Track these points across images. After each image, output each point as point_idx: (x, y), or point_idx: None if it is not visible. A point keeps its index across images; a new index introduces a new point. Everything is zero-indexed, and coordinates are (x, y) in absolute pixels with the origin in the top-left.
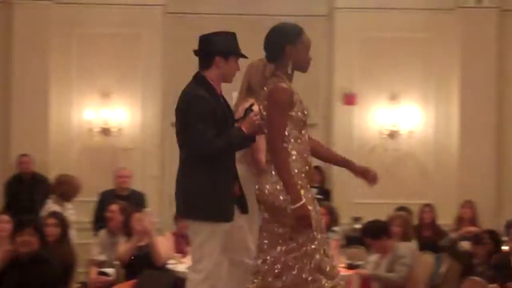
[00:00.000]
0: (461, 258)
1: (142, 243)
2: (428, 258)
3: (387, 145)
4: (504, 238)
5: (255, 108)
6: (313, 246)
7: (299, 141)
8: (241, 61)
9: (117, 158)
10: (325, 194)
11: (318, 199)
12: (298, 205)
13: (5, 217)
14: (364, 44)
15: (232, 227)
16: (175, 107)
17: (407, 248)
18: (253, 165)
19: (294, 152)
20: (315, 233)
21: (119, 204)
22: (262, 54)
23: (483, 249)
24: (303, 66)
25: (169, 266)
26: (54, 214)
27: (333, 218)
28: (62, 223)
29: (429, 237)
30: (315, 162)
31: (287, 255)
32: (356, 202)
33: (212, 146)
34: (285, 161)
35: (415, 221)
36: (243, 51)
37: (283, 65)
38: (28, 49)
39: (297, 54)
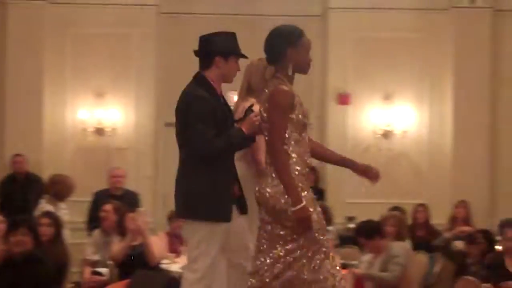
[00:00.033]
0: (454, 258)
1: (135, 243)
2: (421, 257)
3: (381, 145)
4: (498, 238)
5: (255, 108)
6: (314, 248)
7: (299, 143)
8: (240, 61)
9: (111, 158)
10: (319, 193)
11: None
12: (298, 207)
13: None
14: (358, 44)
15: (231, 227)
16: (168, 106)
17: (401, 247)
18: (253, 164)
19: (294, 155)
20: (316, 234)
21: (113, 204)
22: (257, 53)
23: (476, 248)
24: (303, 67)
25: (163, 266)
26: (47, 214)
27: (326, 218)
28: (56, 223)
29: (423, 236)
30: (313, 162)
31: (286, 256)
32: (349, 202)
33: (212, 146)
34: (285, 164)
35: (409, 220)
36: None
37: (284, 67)
38: (22, 49)
39: (297, 56)
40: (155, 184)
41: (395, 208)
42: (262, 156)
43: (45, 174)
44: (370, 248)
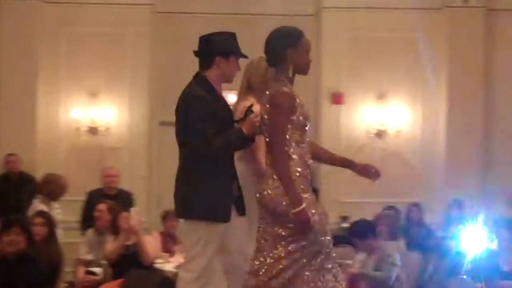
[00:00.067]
0: (448, 257)
1: (129, 242)
2: (415, 257)
3: (375, 145)
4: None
5: (255, 108)
6: (315, 249)
7: (300, 145)
8: (240, 60)
9: (105, 157)
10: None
11: None
12: (298, 209)
13: None
14: (351, 44)
15: (229, 228)
16: (162, 106)
17: (395, 247)
18: (253, 163)
19: (295, 156)
20: (317, 235)
21: (107, 204)
22: (252, 53)
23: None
24: (304, 68)
25: (156, 266)
26: (41, 214)
27: None
28: (49, 222)
29: (417, 236)
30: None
31: (287, 256)
32: (343, 201)
33: (212, 146)
34: (286, 166)
35: (403, 220)
36: None
37: (285, 69)
38: (16, 48)
39: (298, 57)
40: (149, 184)
41: (389, 208)
42: (261, 155)
43: (39, 174)
44: (363, 247)
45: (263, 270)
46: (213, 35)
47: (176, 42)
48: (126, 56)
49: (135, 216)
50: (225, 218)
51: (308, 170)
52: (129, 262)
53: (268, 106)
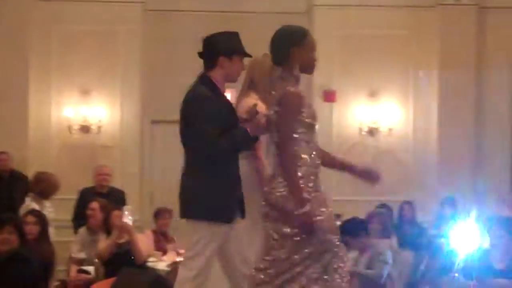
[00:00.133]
0: (440, 255)
1: (122, 241)
2: (407, 255)
3: (367, 142)
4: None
5: (259, 107)
6: (322, 247)
7: (309, 144)
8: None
9: (97, 155)
10: None
11: None
12: (302, 211)
13: None
14: (343, 41)
15: (233, 230)
16: (153, 104)
17: (387, 245)
18: (253, 160)
19: (305, 155)
20: (325, 234)
21: (100, 202)
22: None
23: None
24: (309, 67)
25: (149, 264)
26: (33, 212)
27: None
28: (42, 221)
29: (409, 234)
30: None
31: (295, 254)
32: (335, 199)
33: (216, 146)
34: (293, 166)
35: (395, 218)
36: None
37: (290, 68)
38: (7, 45)
39: (303, 56)
40: (141, 182)
41: (381, 206)
42: (262, 153)
43: (30, 172)
44: (355, 245)
45: (272, 267)
46: (215, 35)
47: (167, 40)
48: (118, 53)
49: (127, 214)
50: (228, 219)
51: (317, 169)
52: (121, 260)
53: (276, 106)
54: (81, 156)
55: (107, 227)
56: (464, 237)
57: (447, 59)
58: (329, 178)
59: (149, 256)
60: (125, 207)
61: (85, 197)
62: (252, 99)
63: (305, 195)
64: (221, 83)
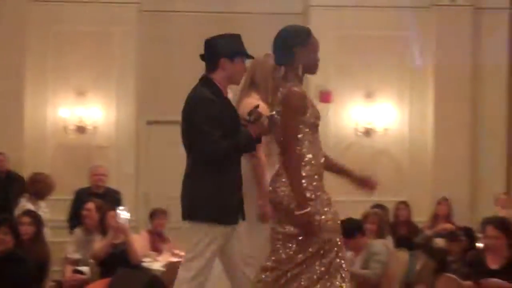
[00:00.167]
0: (435, 255)
1: (117, 241)
2: (403, 255)
3: (363, 143)
4: (479, 235)
5: (261, 108)
6: (325, 247)
7: (313, 144)
8: None
9: (92, 156)
10: None
11: None
12: (302, 212)
13: None
14: (339, 42)
15: (235, 231)
16: (149, 105)
17: (382, 245)
18: (251, 159)
19: (309, 155)
20: (329, 234)
21: (95, 202)
22: None
23: (458, 246)
24: (312, 68)
25: (144, 264)
26: (28, 213)
27: None
28: (37, 221)
29: (404, 234)
30: None
31: (298, 254)
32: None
33: (218, 148)
34: (296, 166)
35: (391, 218)
36: None
37: (293, 68)
38: (3, 46)
39: (306, 56)
40: (137, 183)
41: (377, 206)
42: (261, 152)
43: (26, 172)
44: (351, 246)
45: (276, 268)
46: (217, 38)
47: (163, 41)
48: (113, 54)
49: (123, 215)
50: (229, 221)
51: (321, 169)
52: (116, 261)
53: (280, 106)
54: (77, 157)
55: (102, 228)
56: (458, 237)
57: (443, 59)
58: (324, 178)
59: (144, 256)
60: (119, 208)
61: (81, 197)
62: (254, 100)
63: (307, 195)
64: (223, 85)
